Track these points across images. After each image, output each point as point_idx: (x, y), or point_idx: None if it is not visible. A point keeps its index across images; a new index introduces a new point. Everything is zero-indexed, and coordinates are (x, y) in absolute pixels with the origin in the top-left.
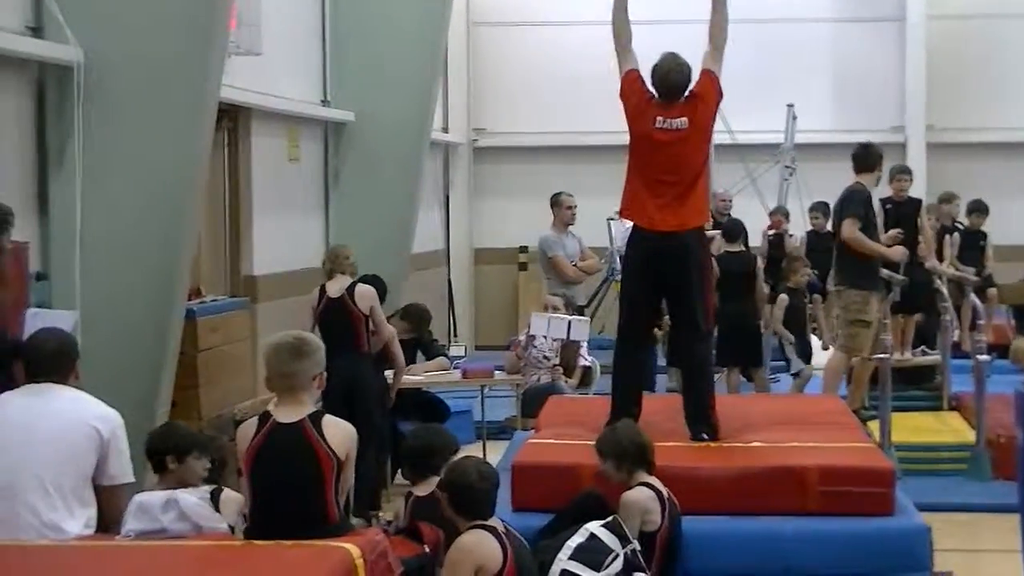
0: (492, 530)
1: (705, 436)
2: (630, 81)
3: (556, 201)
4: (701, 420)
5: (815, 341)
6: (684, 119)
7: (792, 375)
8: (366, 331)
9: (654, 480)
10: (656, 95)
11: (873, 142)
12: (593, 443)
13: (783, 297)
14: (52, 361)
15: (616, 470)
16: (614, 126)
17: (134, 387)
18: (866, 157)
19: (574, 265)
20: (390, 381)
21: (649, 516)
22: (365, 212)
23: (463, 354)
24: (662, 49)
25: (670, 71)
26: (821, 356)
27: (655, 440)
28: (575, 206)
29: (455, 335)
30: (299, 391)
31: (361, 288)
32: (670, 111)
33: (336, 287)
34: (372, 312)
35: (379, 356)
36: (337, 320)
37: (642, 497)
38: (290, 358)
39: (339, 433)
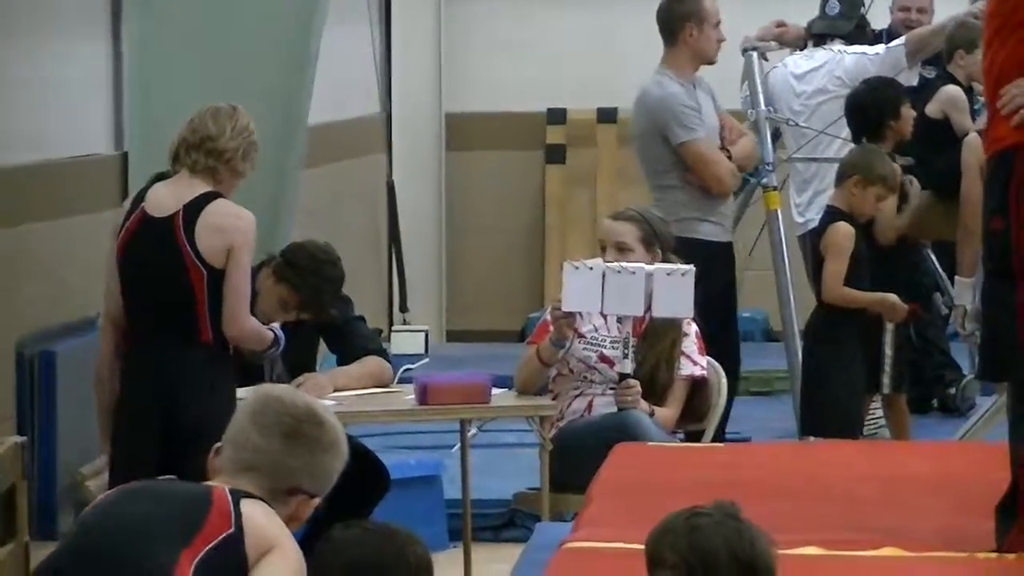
0: None
1: None
2: None
3: (689, 12)
4: None
5: None
6: None
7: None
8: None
9: None
10: None
11: None
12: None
13: None
14: None
15: None
16: None
17: None
18: None
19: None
20: None
21: None
22: (199, 35)
23: (420, 350)
24: None
25: None
26: None
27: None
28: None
29: (403, 307)
30: None
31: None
32: None
33: (164, 198)
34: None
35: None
36: (155, 268)
37: None
38: None
39: None
